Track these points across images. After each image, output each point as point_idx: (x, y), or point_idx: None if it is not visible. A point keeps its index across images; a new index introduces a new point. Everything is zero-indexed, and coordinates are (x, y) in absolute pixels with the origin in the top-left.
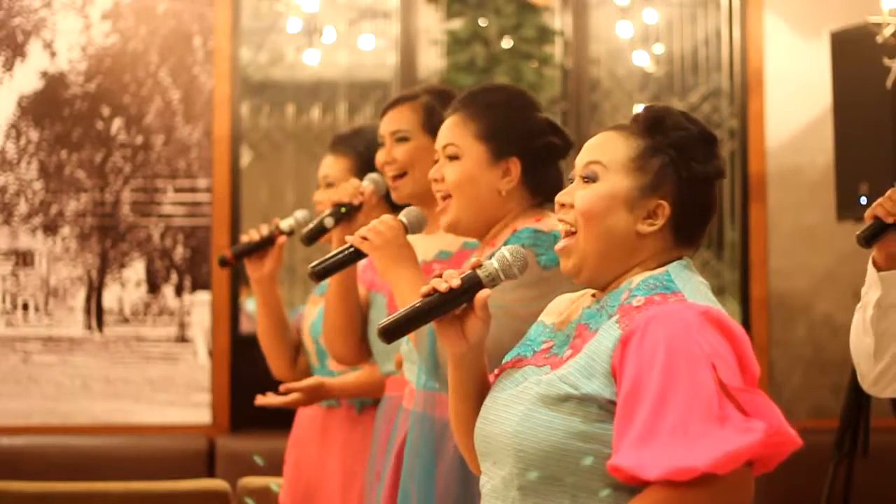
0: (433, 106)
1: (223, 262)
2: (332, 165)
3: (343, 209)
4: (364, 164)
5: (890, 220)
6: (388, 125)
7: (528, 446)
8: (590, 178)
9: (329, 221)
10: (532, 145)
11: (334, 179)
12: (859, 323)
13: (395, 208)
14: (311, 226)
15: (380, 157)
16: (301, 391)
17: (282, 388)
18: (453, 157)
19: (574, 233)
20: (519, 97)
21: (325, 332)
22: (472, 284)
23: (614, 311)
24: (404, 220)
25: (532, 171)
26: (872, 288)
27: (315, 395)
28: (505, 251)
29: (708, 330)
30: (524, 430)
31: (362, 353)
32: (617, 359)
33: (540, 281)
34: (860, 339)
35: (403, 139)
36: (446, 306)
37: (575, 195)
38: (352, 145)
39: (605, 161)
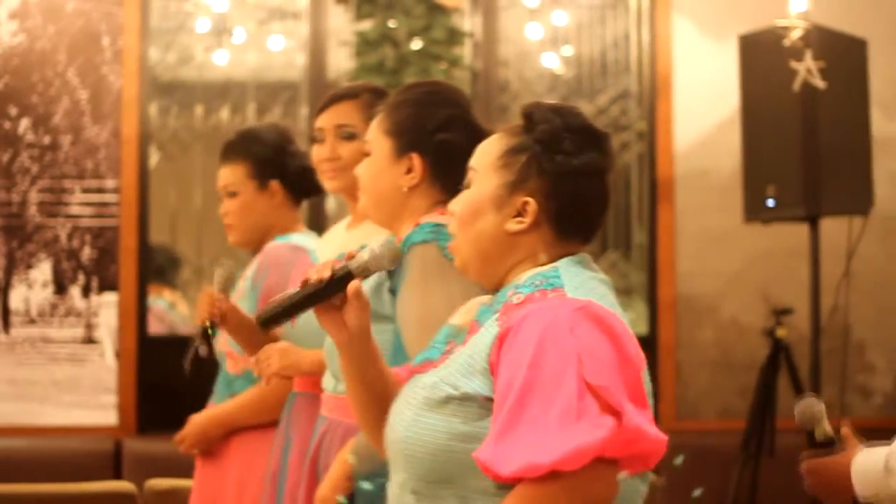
0: (375, 104)
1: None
2: (229, 175)
3: (210, 330)
4: (262, 166)
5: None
6: (332, 119)
7: (417, 451)
8: (468, 185)
9: (203, 350)
10: (433, 142)
11: (236, 189)
12: None
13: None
14: (188, 356)
15: (321, 151)
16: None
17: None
18: (368, 153)
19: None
20: (435, 94)
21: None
22: (344, 275)
23: (499, 307)
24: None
25: (438, 168)
26: None
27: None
28: (375, 243)
29: (582, 325)
30: (412, 436)
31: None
32: (494, 356)
33: (448, 270)
34: None
35: (350, 136)
36: (320, 296)
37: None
38: (245, 149)
39: (477, 165)
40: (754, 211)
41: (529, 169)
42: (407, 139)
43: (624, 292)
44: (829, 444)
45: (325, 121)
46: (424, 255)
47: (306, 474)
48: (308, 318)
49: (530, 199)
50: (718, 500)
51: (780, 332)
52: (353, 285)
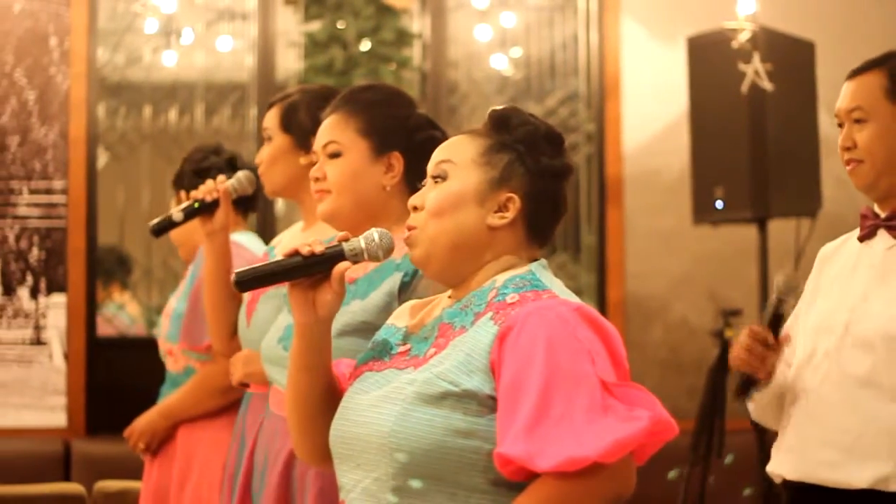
0: (296, 105)
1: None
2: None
3: (196, 205)
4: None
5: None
6: (263, 123)
7: (406, 446)
8: (440, 177)
9: (178, 216)
10: (414, 139)
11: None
12: None
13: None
14: (159, 219)
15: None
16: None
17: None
18: (335, 155)
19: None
20: (398, 94)
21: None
22: (335, 255)
23: (482, 308)
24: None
25: (415, 166)
26: None
27: (157, 433)
28: (375, 232)
29: (583, 325)
30: (402, 430)
31: (234, 344)
32: (495, 354)
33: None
34: None
35: (268, 138)
36: (304, 270)
37: (427, 196)
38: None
39: (454, 158)
40: (703, 212)
41: (513, 168)
42: (387, 138)
43: (573, 293)
44: (779, 323)
45: (263, 126)
46: None
47: (244, 466)
48: (264, 321)
49: (514, 195)
50: (668, 501)
51: (729, 333)
52: (340, 266)
